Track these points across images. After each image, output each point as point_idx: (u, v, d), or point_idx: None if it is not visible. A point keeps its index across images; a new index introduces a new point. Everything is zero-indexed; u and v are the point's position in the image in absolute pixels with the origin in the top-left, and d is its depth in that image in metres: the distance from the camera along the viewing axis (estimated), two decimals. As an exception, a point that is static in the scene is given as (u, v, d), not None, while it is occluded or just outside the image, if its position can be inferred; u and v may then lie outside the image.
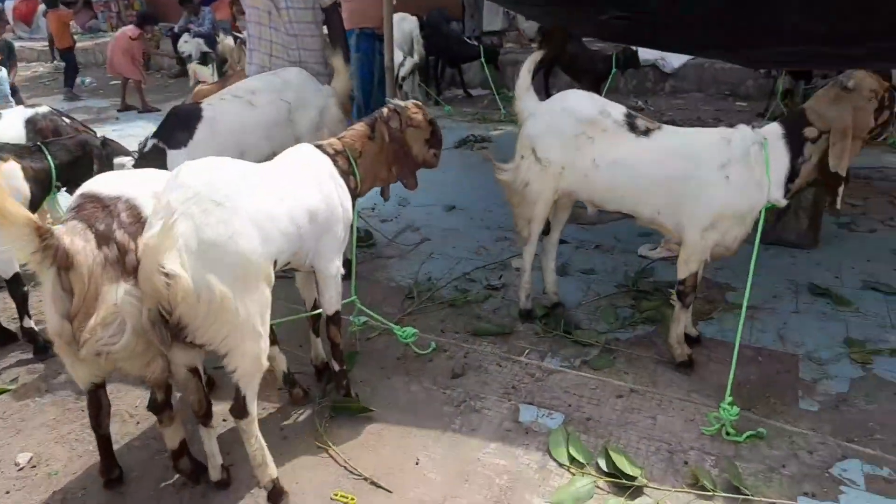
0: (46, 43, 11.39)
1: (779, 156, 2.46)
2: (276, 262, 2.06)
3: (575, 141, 2.73)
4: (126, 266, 1.85)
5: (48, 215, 4.06)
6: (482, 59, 8.27)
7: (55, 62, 10.97)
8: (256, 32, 3.63)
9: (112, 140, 3.70)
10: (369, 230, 4.20)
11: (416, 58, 7.62)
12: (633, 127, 2.66)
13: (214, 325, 1.79)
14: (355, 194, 2.50)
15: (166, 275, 1.65)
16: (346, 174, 2.43)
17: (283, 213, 2.04)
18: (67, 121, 3.70)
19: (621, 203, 2.75)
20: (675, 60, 8.38)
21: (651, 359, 2.89)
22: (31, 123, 3.54)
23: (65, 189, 3.17)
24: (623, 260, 3.88)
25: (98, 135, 3.69)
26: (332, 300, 2.47)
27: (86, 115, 8.56)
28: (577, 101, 2.80)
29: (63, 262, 1.75)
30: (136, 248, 1.85)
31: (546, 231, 3.16)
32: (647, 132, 2.64)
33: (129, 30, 8.69)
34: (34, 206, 2.90)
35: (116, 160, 3.50)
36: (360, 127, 2.55)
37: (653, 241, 3.97)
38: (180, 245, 1.68)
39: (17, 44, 13.17)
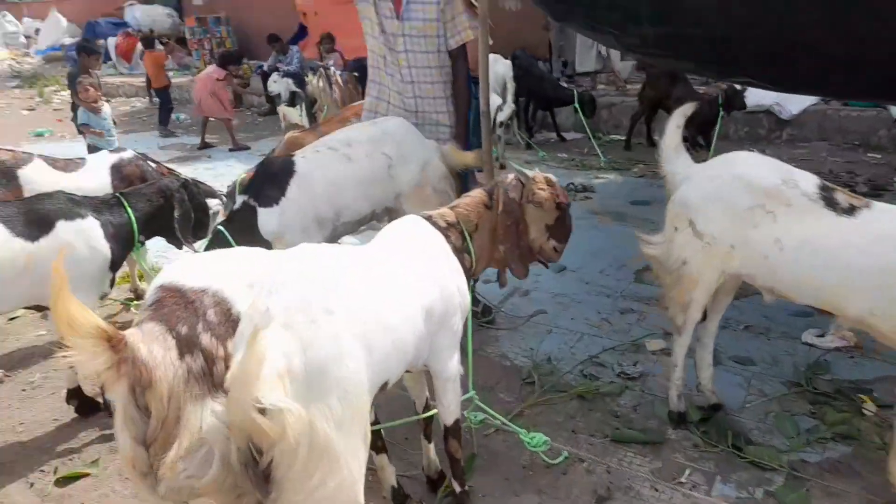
0: (144, 80, 11.69)
1: None
2: (386, 384, 1.60)
3: (750, 215, 2.17)
4: (214, 379, 1.39)
5: (137, 270, 3.78)
6: (575, 106, 7.77)
7: (152, 100, 11.20)
8: (376, 77, 3.28)
9: (198, 182, 3.39)
10: (488, 304, 3.68)
11: (510, 101, 7.16)
12: (830, 203, 2.07)
13: (308, 484, 1.27)
14: (470, 275, 2.03)
15: (263, 410, 1.17)
16: (460, 252, 1.97)
17: (400, 320, 1.57)
18: (153, 165, 3.41)
19: (817, 296, 2.14)
20: (793, 106, 7.64)
21: (859, 496, 2.22)
22: (115, 169, 3.26)
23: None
24: (784, 347, 3.21)
25: (183, 176, 3.40)
26: (450, 407, 1.97)
27: (179, 151, 8.57)
28: (751, 167, 2.25)
29: (139, 380, 1.31)
30: (225, 356, 1.40)
31: (702, 317, 2.57)
32: (851, 210, 2.05)
33: (215, 71, 8.64)
34: (115, 265, 2.54)
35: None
36: (476, 194, 2.10)
37: (818, 326, 3.28)
38: (282, 368, 1.20)
39: (116, 80, 13.76)
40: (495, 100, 6.35)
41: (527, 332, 3.46)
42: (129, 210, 2.59)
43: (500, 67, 7.58)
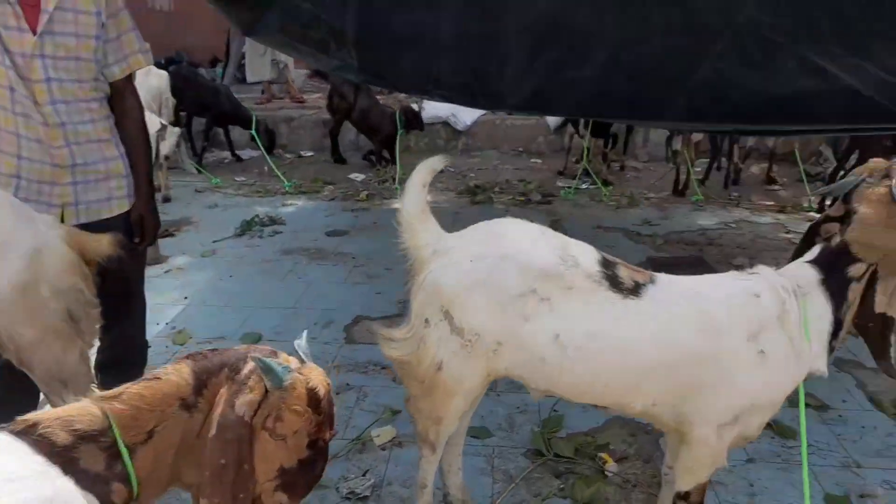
0: None
1: (820, 309, 1.69)
2: None
3: (521, 304, 1.68)
4: None
5: None
6: (253, 132, 6.89)
7: None
8: None
9: None
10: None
11: (166, 122, 5.95)
12: (615, 282, 1.69)
13: None
14: None
15: None
16: (102, 482, 1.05)
17: None
18: None
19: (602, 395, 1.76)
20: (467, 117, 7.93)
21: None
22: None
23: None
24: (514, 402, 2.92)
25: None
26: None
27: None
28: (523, 241, 1.76)
29: None
30: None
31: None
32: (636, 289, 1.69)
33: None
34: None
35: None
36: (171, 376, 1.14)
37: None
38: None
39: None
40: (153, 122, 5.13)
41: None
42: None
43: (153, 80, 6.31)
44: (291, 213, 5.70)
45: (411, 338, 1.82)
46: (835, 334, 1.70)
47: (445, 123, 8.00)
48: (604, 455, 2.54)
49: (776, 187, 6.70)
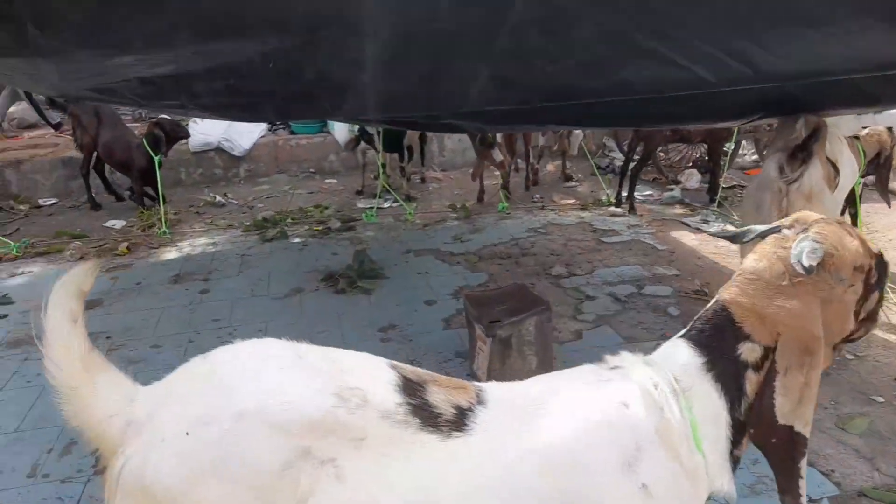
0: None
1: (710, 408, 1.20)
2: None
3: (290, 481, 0.98)
4: None
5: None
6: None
7: None
8: None
9: None
10: None
11: None
12: (428, 416, 1.06)
13: None
14: None
15: None
16: None
17: None
18: None
19: None
20: (244, 140, 6.98)
21: None
22: None
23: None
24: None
25: None
26: None
27: None
28: (267, 380, 1.05)
29: None
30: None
31: None
32: (460, 420, 1.08)
33: None
34: None
35: None
36: None
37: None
38: None
39: None
40: None
41: None
42: None
43: None
44: (22, 287, 4.38)
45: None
46: (736, 441, 1.23)
47: (220, 149, 6.97)
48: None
49: (573, 183, 6.73)
